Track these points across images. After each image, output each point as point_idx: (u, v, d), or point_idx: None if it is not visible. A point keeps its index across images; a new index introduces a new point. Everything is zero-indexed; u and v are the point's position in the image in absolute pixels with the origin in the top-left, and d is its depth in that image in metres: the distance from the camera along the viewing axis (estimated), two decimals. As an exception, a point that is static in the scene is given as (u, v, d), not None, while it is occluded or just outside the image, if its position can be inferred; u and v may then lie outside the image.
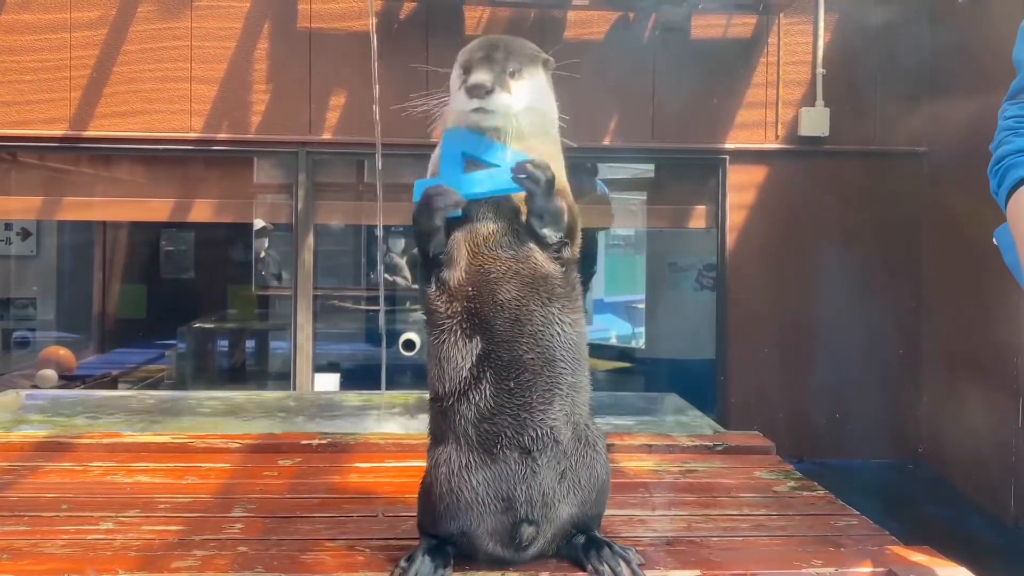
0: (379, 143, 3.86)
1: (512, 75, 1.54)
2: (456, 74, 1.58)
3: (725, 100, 4.86)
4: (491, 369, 1.51)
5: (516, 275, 1.53)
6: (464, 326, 1.52)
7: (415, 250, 6.41)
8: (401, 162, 4.74)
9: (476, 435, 1.52)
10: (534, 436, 1.51)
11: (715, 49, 4.86)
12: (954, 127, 4.52)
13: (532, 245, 1.55)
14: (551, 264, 1.56)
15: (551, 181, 1.52)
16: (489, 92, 1.51)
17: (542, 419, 1.52)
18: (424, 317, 1.60)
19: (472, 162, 1.56)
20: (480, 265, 1.53)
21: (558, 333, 1.53)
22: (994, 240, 1.64)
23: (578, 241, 1.60)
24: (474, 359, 1.52)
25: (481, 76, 1.51)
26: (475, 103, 1.52)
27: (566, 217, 1.56)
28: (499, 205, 1.56)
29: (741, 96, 4.85)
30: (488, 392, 1.51)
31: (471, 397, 1.52)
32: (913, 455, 4.80)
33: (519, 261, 1.53)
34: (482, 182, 1.55)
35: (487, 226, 1.55)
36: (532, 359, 1.51)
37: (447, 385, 1.54)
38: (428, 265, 1.57)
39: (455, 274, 1.54)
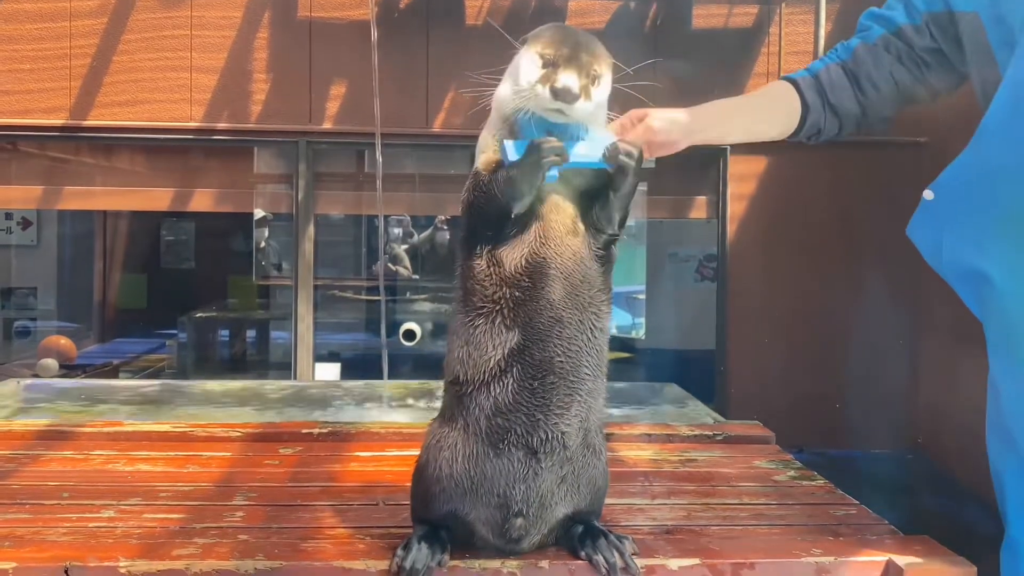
0: (379, 133, 3.86)
1: (593, 82, 1.50)
2: (531, 60, 1.50)
3: (726, 90, 4.80)
4: (519, 365, 1.48)
5: (570, 275, 1.50)
6: (506, 316, 1.49)
7: (425, 234, 6.34)
8: (401, 152, 4.73)
9: (486, 427, 1.50)
10: (543, 438, 1.49)
11: (716, 38, 4.84)
12: (954, 118, 4.50)
13: (586, 243, 1.53)
14: (596, 265, 1.54)
15: (641, 158, 1.53)
16: (575, 98, 1.46)
17: (556, 422, 1.50)
18: (459, 293, 1.54)
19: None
20: (544, 258, 1.49)
21: (588, 340, 1.51)
22: (908, 235, 1.69)
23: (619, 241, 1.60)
24: (506, 352, 1.48)
25: (571, 81, 1.45)
26: (557, 105, 1.46)
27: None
28: (575, 197, 1.54)
29: (742, 86, 4.83)
30: (510, 388, 1.48)
31: (492, 389, 1.49)
32: (912, 445, 4.80)
33: (576, 262, 1.51)
34: (578, 153, 1.51)
35: (562, 217, 1.52)
36: (561, 362, 1.49)
37: (470, 372, 1.51)
38: (483, 238, 1.51)
39: (514, 259, 1.50)
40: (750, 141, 1.88)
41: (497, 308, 1.49)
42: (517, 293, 1.49)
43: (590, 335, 1.52)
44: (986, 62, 1.62)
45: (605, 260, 1.56)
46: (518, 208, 1.49)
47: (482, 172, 1.52)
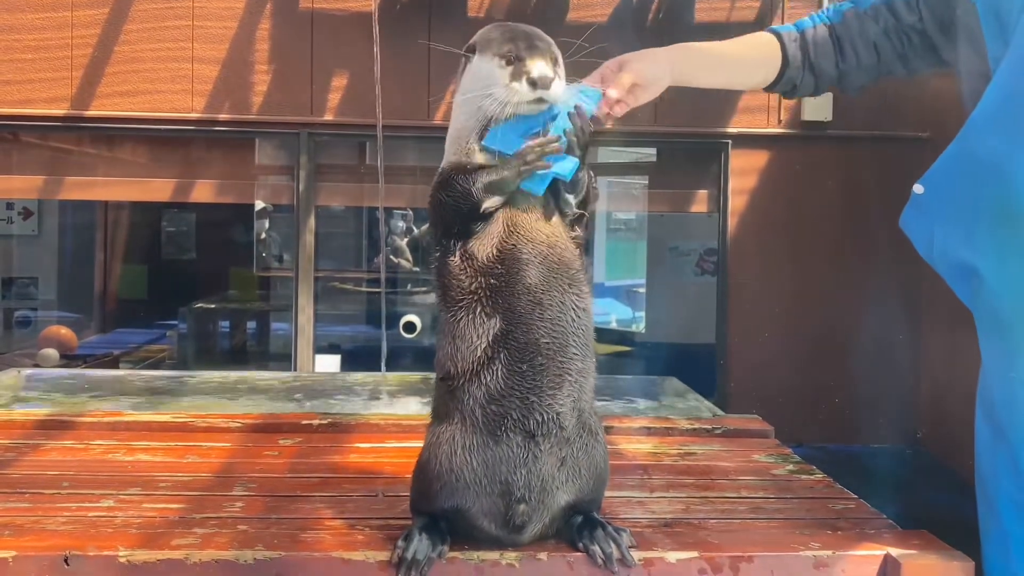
0: (380, 125, 3.85)
1: (556, 62, 1.55)
2: (492, 64, 1.54)
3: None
4: (506, 351, 1.50)
5: (545, 259, 1.53)
6: (485, 304, 1.51)
7: (426, 226, 6.35)
8: (403, 144, 4.73)
9: (482, 416, 1.51)
10: (540, 420, 1.51)
11: (719, 32, 4.81)
12: (956, 112, 4.50)
13: (559, 228, 1.56)
14: (571, 246, 1.57)
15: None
16: (552, 80, 1.51)
17: (550, 403, 1.51)
18: (438, 291, 1.57)
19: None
20: (513, 244, 1.52)
21: (573, 320, 1.53)
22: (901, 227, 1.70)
23: (589, 219, 1.62)
24: (490, 339, 1.50)
25: (544, 68, 1.50)
26: (537, 94, 1.50)
27: (586, 184, 1.59)
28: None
29: (744, 81, 4.83)
30: (500, 373, 1.50)
31: (482, 377, 1.51)
32: (912, 440, 4.81)
33: (549, 246, 1.54)
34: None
35: (529, 206, 1.55)
36: (547, 343, 1.51)
37: (459, 364, 1.52)
38: (454, 234, 1.54)
39: (486, 250, 1.52)
40: (726, 88, 1.90)
41: (476, 298, 1.52)
42: (492, 281, 1.51)
43: (574, 315, 1.54)
44: (976, 53, 1.62)
45: (578, 239, 1.59)
46: (490, 204, 1.52)
47: (453, 173, 1.56)
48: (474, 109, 1.57)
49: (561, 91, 1.53)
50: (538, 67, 1.50)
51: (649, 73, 1.69)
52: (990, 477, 1.62)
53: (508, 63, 1.52)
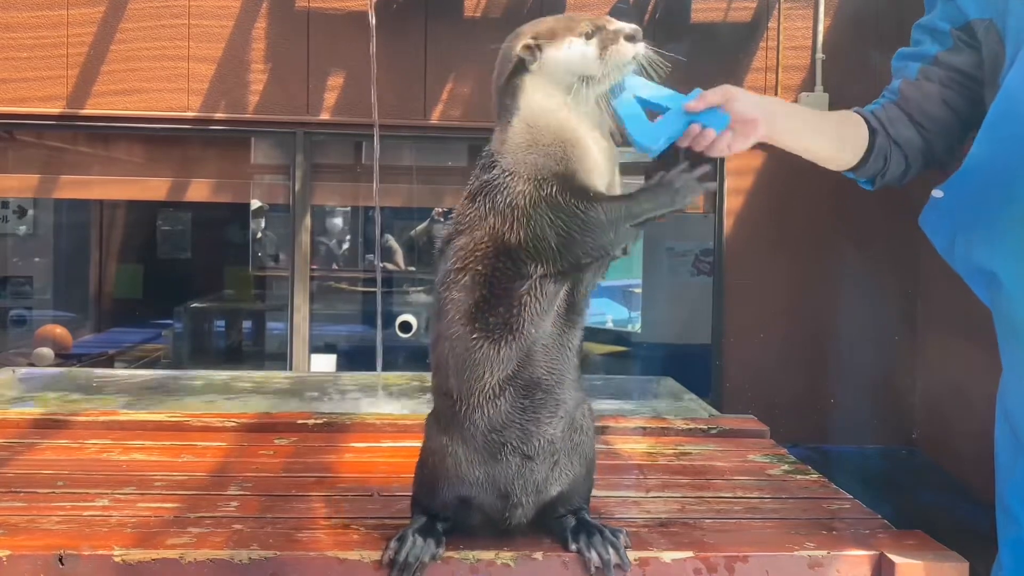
0: (376, 124, 3.85)
1: None
2: (575, 44, 1.52)
3: (725, 84, 4.84)
4: (512, 387, 1.52)
5: (564, 301, 1.53)
6: (511, 343, 1.49)
7: (422, 226, 6.32)
8: (399, 144, 4.73)
9: (483, 442, 1.54)
10: (536, 445, 1.54)
11: (715, 33, 4.84)
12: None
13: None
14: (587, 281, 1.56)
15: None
16: (641, 32, 1.53)
17: (545, 429, 1.55)
18: (473, 307, 1.50)
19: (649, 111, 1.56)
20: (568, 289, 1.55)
21: (567, 358, 1.56)
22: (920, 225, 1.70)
23: None
24: (500, 377, 1.51)
25: (629, 25, 1.53)
26: (636, 48, 1.53)
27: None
28: None
29: (740, 81, 4.83)
30: (504, 408, 1.52)
31: (486, 410, 1.52)
32: (907, 441, 4.81)
33: (570, 288, 1.54)
34: (663, 129, 1.58)
35: None
36: (547, 380, 1.53)
37: (464, 390, 1.52)
38: (547, 264, 1.47)
39: (552, 293, 1.52)
40: (816, 158, 1.74)
41: (510, 335, 1.49)
42: (531, 328, 1.49)
43: (568, 353, 1.56)
44: (999, 68, 1.62)
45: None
46: (619, 249, 1.51)
47: (585, 200, 1.46)
48: (559, 103, 1.52)
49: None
50: (622, 24, 1.53)
51: (746, 104, 1.65)
52: (1008, 481, 1.62)
53: (588, 37, 1.52)
